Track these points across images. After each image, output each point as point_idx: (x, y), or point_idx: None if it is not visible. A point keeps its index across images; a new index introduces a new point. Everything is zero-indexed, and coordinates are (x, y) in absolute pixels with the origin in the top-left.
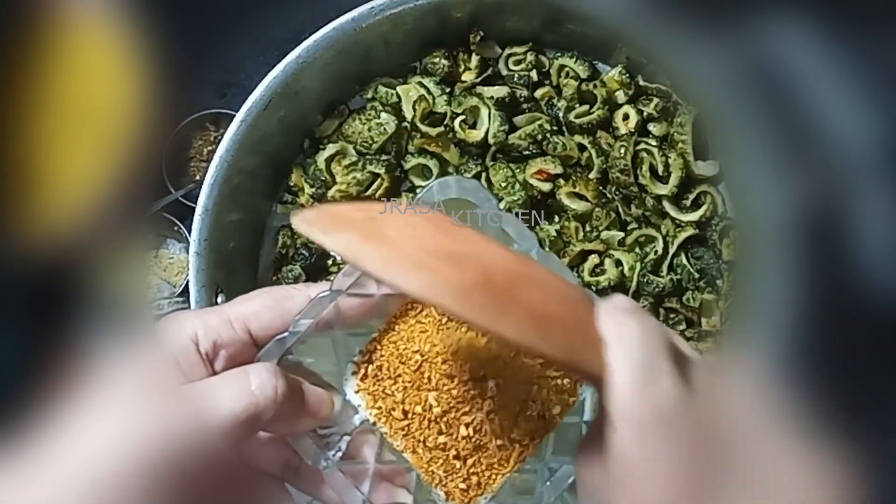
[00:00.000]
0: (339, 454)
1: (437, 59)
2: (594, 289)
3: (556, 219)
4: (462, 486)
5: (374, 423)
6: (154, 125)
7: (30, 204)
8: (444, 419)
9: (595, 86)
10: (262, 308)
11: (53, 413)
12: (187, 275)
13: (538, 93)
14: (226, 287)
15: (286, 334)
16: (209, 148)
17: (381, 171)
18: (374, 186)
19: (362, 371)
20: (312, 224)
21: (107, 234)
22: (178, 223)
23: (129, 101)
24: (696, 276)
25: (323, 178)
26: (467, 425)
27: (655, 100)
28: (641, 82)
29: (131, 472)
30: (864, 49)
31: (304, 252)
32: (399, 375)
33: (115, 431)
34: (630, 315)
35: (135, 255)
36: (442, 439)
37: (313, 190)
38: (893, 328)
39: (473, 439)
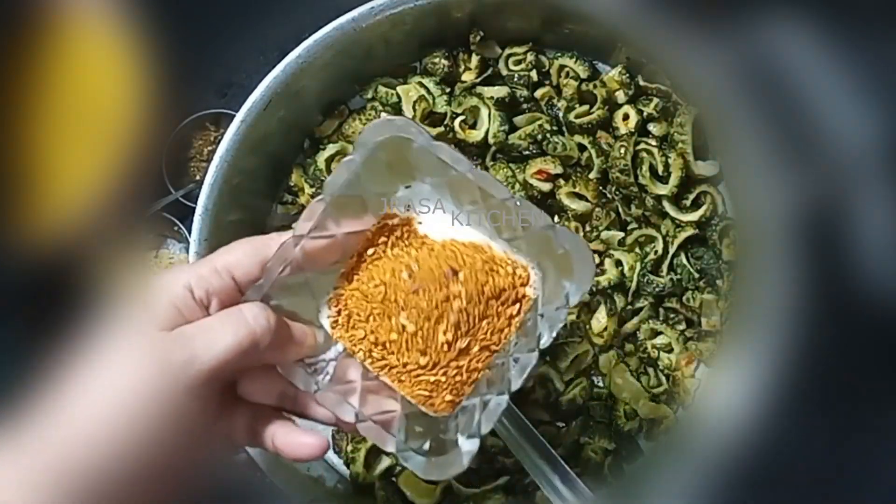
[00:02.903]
0: (328, 377)
1: (437, 59)
2: (594, 289)
3: (557, 219)
4: (448, 397)
5: (361, 363)
6: (154, 125)
7: (31, 203)
8: (420, 335)
9: (595, 86)
10: (243, 256)
11: (63, 370)
12: None
13: (538, 93)
14: None
15: (262, 280)
16: (209, 148)
17: None
18: None
19: (333, 318)
20: None
21: (107, 234)
22: (178, 223)
23: (129, 101)
24: (696, 276)
25: (323, 179)
26: (444, 332)
27: (655, 100)
28: (641, 82)
29: (142, 407)
30: (864, 49)
31: None
32: (369, 315)
33: (126, 371)
34: None
35: (135, 255)
36: (423, 360)
37: (313, 190)
38: (893, 328)
39: (454, 346)
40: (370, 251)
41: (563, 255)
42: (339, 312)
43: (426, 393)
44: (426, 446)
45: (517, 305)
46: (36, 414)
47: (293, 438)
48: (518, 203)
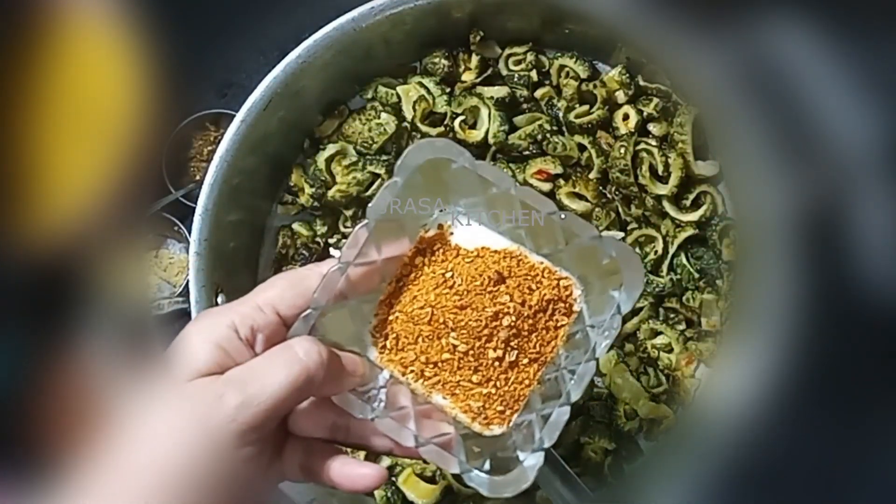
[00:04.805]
0: (382, 404)
1: (437, 59)
2: None
3: None
4: (500, 408)
5: (410, 385)
6: (154, 125)
7: (31, 204)
8: (472, 353)
9: (595, 86)
10: (283, 290)
11: (111, 422)
12: (187, 275)
13: (538, 93)
14: (226, 287)
15: (309, 311)
16: (209, 148)
17: (381, 171)
18: (374, 186)
19: (381, 344)
20: None
21: (107, 234)
22: (178, 223)
23: (129, 102)
24: (696, 276)
25: (323, 178)
26: (495, 349)
27: (655, 100)
28: (641, 82)
29: (196, 459)
30: (864, 49)
31: (304, 252)
32: (418, 336)
33: (177, 423)
34: None
35: (135, 255)
36: (476, 378)
37: (313, 190)
38: (893, 328)
39: (504, 360)
40: (409, 274)
41: (608, 264)
42: (385, 337)
43: (479, 404)
44: (487, 465)
45: (564, 318)
46: (80, 472)
47: (351, 470)
48: (563, 217)
